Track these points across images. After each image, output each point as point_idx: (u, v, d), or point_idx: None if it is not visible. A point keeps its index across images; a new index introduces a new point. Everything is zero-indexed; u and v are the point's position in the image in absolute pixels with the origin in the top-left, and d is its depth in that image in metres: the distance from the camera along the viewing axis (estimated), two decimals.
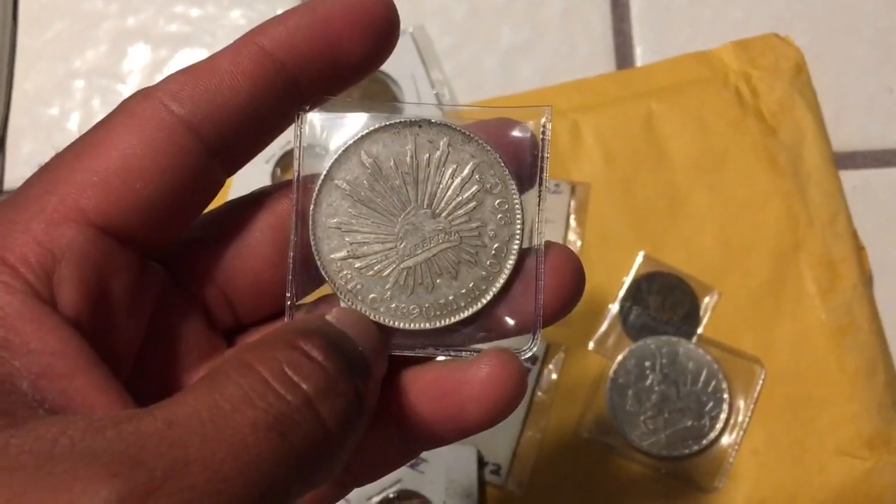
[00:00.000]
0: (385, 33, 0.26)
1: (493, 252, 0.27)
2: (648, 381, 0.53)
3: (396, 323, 0.27)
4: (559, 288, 0.26)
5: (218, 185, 0.26)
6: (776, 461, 0.52)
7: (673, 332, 0.54)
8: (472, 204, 0.27)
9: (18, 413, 0.20)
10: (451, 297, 0.27)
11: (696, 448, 0.52)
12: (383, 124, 0.27)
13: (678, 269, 0.55)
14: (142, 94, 0.24)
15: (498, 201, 0.27)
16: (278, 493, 0.20)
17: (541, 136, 0.27)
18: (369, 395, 0.24)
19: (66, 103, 0.60)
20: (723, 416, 0.53)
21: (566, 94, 0.58)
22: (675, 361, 0.53)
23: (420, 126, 0.27)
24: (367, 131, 0.27)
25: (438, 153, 0.27)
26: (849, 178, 0.57)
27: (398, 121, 0.27)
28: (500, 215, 0.27)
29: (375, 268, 0.27)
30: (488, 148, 0.27)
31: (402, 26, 0.58)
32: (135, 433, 0.19)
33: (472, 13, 0.61)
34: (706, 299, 0.54)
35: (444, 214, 0.27)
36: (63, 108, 0.60)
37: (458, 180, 0.27)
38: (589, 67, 0.60)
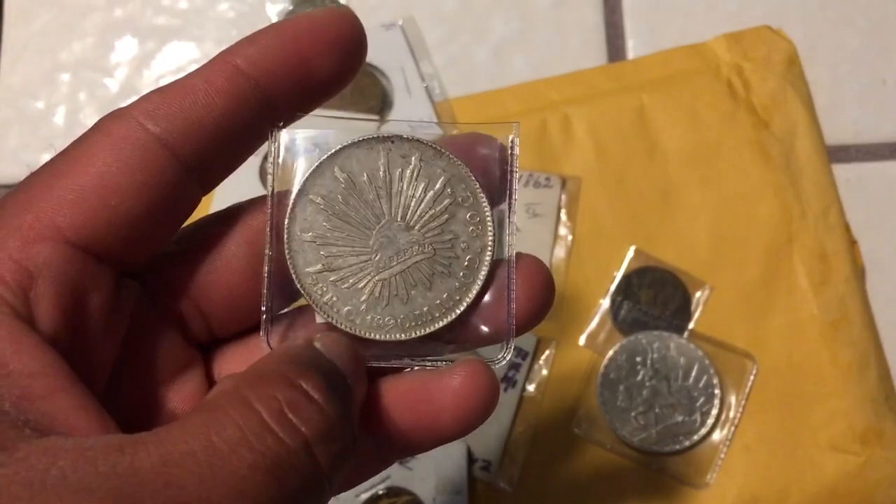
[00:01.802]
0: (351, 48, 0.26)
1: (466, 263, 0.27)
2: (639, 377, 0.53)
3: (372, 334, 0.27)
4: (530, 297, 0.27)
5: (194, 202, 0.26)
6: (768, 456, 0.52)
7: (664, 326, 0.54)
8: (445, 216, 0.27)
9: (5, 433, 0.20)
10: (425, 308, 0.27)
11: (687, 444, 0.52)
12: (356, 140, 0.27)
13: (670, 264, 0.54)
14: (116, 114, 0.25)
15: (469, 214, 0.27)
16: None
17: (509, 152, 0.27)
18: (356, 426, 0.24)
19: (52, 96, 0.60)
20: (714, 411, 0.52)
21: (557, 87, 0.58)
22: (666, 356, 0.53)
23: (392, 142, 0.27)
24: (340, 147, 0.27)
25: (411, 168, 0.27)
26: (841, 171, 0.57)
27: (371, 137, 0.27)
28: (471, 227, 0.27)
29: (350, 280, 0.27)
30: (459, 163, 0.27)
31: (392, 18, 0.58)
32: (129, 470, 0.19)
33: (463, 4, 0.61)
34: (698, 294, 0.54)
35: (417, 227, 0.27)
36: (49, 102, 0.59)
37: (430, 194, 0.27)
38: (580, 60, 0.59)
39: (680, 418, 0.52)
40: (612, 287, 0.54)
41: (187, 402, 0.27)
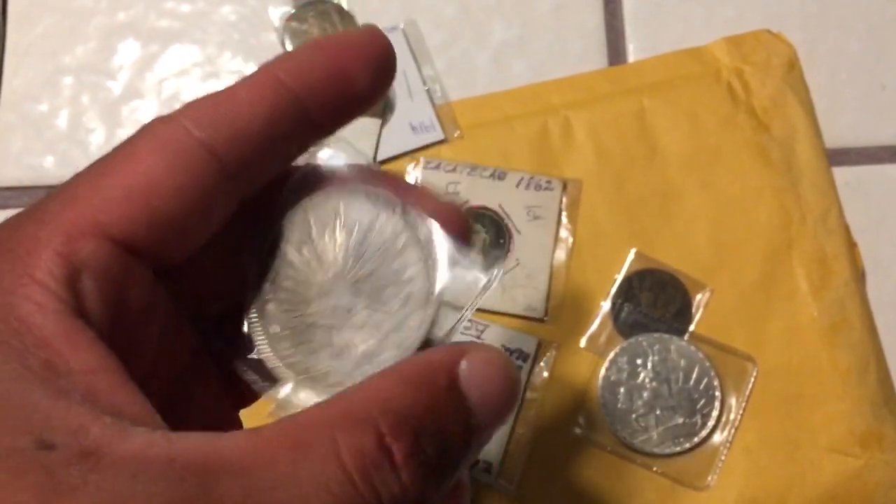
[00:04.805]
0: (385, 64, 0.27)
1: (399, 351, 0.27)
2: (640, 379, 0.53)
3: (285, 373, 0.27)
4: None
5: (230, 209, 0.26)
6: (768, 459, 0.52)
7: (665, 329, 0.54)
8: (403, 296, 0.27)
9: (90, 431, 0.20)
10: (335, 372, 0.27)
11: (687, 446, 0.52)
12: (367, 191, 0.27)
13: (670, 266, 0.55)
14: (162, 119, 0.25)
15: (430, 309, 0.26)
16: None
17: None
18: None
19: (55, 100, 0.60)
20: (714, 413, 0.52)
21: (558, 91, 0.58)
22: (666, 359, 0.53)
23: (394, 210, 0.27)
24: (347, 193, 0.28)
25: (395, 243, 0.27)
26: (841, 174, 0.57)
27: (379, 195, 0.27)
28: (422, 322, 0.26)
29: (294, 311, 0.27)
30: (443, 255, 0.27)
31: (394, 22, 0.59)
32: (216, 496, 0.20)
33: (464, 9, 0.61)
34: (698, 296, 0.54)
35: (366, 294, 0.27)
36: (52, 105, 0.60)
37: (399, 273, 0.27)
38: (581, 64, 0.60)
39: (680, 420, 0.52)
40: (613, 289, 0.55)
41: (212, 388, 0.28)
